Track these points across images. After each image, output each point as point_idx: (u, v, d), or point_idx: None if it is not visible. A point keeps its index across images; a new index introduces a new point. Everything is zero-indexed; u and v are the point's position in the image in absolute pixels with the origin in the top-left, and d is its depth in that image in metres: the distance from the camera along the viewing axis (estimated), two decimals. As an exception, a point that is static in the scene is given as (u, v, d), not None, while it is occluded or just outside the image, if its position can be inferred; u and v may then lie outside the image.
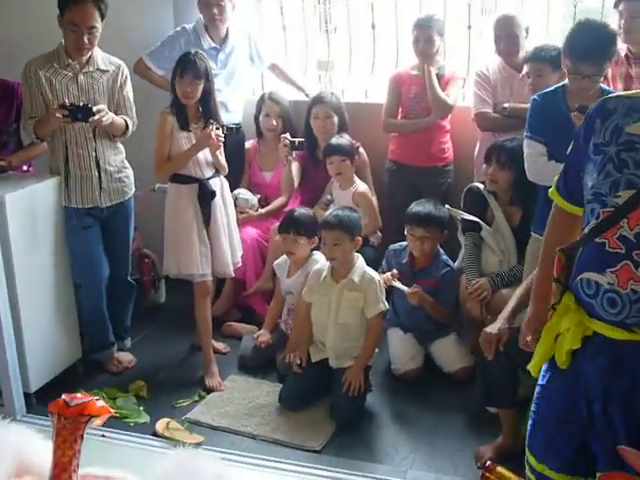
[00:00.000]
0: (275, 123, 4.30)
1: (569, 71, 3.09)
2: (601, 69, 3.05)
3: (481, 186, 3.70)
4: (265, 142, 4.42)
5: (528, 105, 3.52)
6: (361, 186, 4.05)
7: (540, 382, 2.02)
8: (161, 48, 4.19)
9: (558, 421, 1.94)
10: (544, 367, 2.01)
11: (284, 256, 3.85)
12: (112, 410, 1.84)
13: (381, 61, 4.58)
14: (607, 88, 3.18)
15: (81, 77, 3.47)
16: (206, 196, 3.57)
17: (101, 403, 1.80)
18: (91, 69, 3.50)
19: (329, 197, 4.12)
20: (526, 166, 3.29)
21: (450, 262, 3.72)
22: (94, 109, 3.32)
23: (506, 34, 3.91)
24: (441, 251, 3.73)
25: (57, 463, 1.70)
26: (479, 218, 3.65)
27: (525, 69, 3.72)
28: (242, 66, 4.34)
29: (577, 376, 1.87)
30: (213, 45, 4.20)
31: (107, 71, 3.55)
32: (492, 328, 2.93)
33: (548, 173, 3.11)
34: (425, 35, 3.97)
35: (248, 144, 4.47)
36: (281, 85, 4.58)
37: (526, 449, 2.06)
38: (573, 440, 1.92)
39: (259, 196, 4.37)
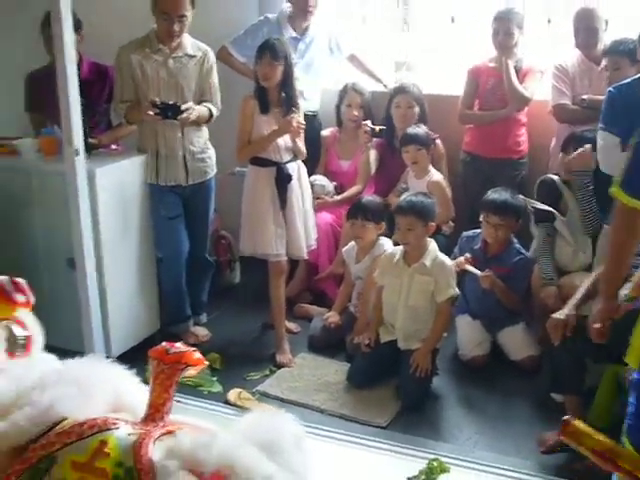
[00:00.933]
0: (356, 113, 4.40)
1: None
2: None
3: (555, 177, 3.72)
4: (345, 131, 4.52)
5: (601, 97, 3.58)
6: (436, 175, 4.11)
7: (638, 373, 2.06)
8: (244, 36, 4.34)
9: None
10: None
11: (352, 242, 3.97)
12: (206, 362, 1.98)
13: (459, 54, 4.62)
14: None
15: (170, 62, 3.64)
16: (283, 179, 3.70)
17: (198, 355, 1.95)
18: (180, 54, 3.67)
19: (404, 186, 4.19)
20: (599, 157, 3.32)
21: (523, 250, 3.75)
22: (182, 107, 3.49)
23: (585, 27, 3.93)
24: (514, 240, 3.77)
25: (152, 404, 1.84)
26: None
27: (603, 62, 3.72)
28: (321, 56, 4.46)
29: None
30: (294, 35, 4.32)
31: (195, 56, 3.71)
32: (560, 314, 2.98)
33: (621, 165, 3.16)
34: (504, 28, 4.01)
35: (326, 132, 4.58)
36: (359, 76, 4.67)
37: (624, 439, 2.09)
38: None
39: (335, 183, 4.48)
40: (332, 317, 3.93)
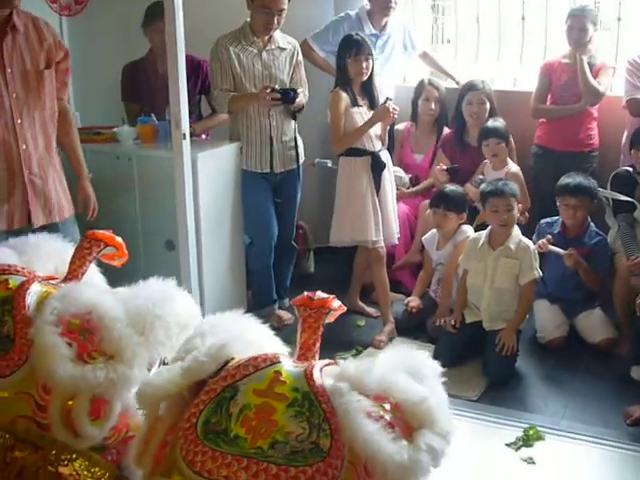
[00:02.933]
0: (434, 107, 4.57)
1: None
2: None
3: (629, 169, 3.86)
4: (419, 125, 4.69)
5: None
6: (514, 167, 4.26)
7: None
8: (325, 31, 4.53)
9: None
10: None
11: (433, 230, 4.12)
12: (344, 308, 2.16)
13: (529, 51, 4.77)
14: None
15: (264, 54, 3.84)
16: (378, 167, 3.88)
17: (337, 302, 2.12)
18: (273, 47, 3.87)
19: (481, 177, 4.34)
20: None
21: (601, 232, 3.91)
22: (298, 91, 3.70)
23: None
24: (591, 222, 3.92)
25: (304, 344, 2.01)
26: (628, 201, 3.82)
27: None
28: (396, 53, 4.65)
29: None
30: (374, 32, 4.50)
31: (285, 49, 3.91)
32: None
33: None
34: (579, 24, 4.17)
35: (401, 126, 4.74)
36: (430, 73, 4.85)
37: None
38: None
39: (410, 175, 4.65)
40: (413, 301, 4.08)
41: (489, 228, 3.71)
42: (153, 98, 4.06)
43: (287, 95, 3.67)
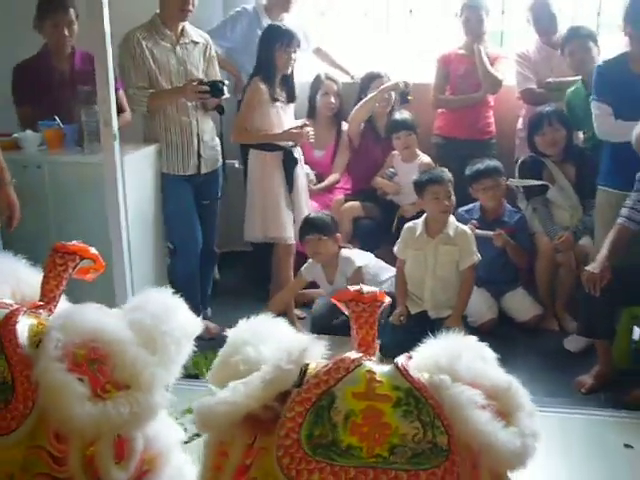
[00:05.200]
0: (333, 101, 4.51)
1: (632, 36, 3.48)
2: None
3: (533, 155, 4.04)
4: (319, 121, 4.62)
5: (570, 79, 4.00)
6: (425, 158, 4.33)
7: None
8: (222, 27, 4.35)
9: None
10: None
11: (310, 262, 3.94)
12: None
13: (418, 44, 4.87)
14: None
15: (178, 49, 3.61)
16: (290, 163, 3.78)
17: (385, 295, 2.03)
18: (186, 41, 3.65)
19: (392, 170, 4.36)
20: (595, 125, 3.65)
21: (518, 210, 4.05)
22: (226, 82, 3.52)
23: (546, 14, 4.28)
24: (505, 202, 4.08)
25: (362, 341, 1.88)
26: (537, 184, 4.01)
27: (567, 47, 4.07)
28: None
29: None
30: (272, 26, 4.38)
31: (198, 43, 3.71)
32: (593, 268, 3.25)
33: (617, 131, 3.53)
34: (476, 15, 4.31)
35: (299, 122, 4.65)
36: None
37: None
38: None
39: (315, 172, 4.57)
40: None
41: (424, 216, 3.72)
42: (52, 98, 3.67)
43: (216, 88, 3.46)
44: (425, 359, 1.80)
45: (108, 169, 3.12)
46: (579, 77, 4.06)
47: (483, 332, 3.88)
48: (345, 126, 4.56)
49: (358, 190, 4.50)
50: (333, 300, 2.06)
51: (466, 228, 3.69)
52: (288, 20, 4.46)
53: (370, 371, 1.71)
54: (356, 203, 4.32)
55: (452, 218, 3.69)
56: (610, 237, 3.40)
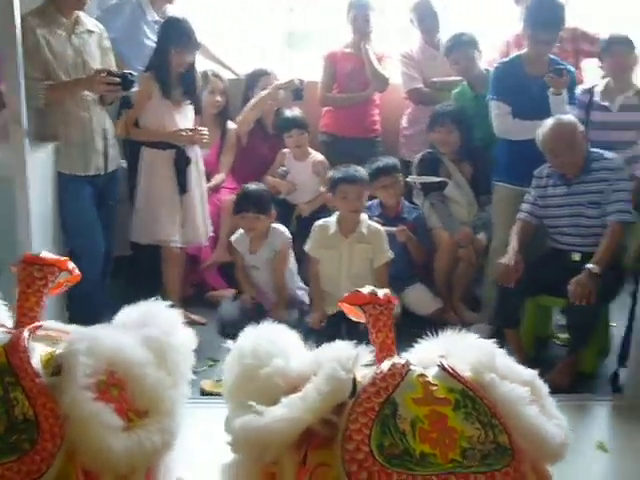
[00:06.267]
0: (219, 99, 4.35)
1: (530, 39, 3.68)
2: (557, 36, 3.69)
3: (431, 151, 4.15)
4: (204, 119, 4.43)
5: (454, 79, 4.16)
6: (318, 156, 4.29)
7: None
8: (104, 16, 4.03)
9: None
10: None
11: (240, 231, 3.92)
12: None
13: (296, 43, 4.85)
14: (554, 57, 3.81)
15: (74, 38, 3.33)
16: (182, 162, 3.66)
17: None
18: (81, 29, 3.38)
19: (284, 168, 4.29)
20: (495, 124, 3.82)
21: (416, 207, 4.12)
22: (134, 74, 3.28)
23: (429, 14, 4.39)
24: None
25: (382, 345, 1.84)
26: (435, 180, 4.12)
27: (451, 56, 4.17)
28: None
29: None
30: (156, 18, 4.15)
31: (94, 32, 3.45)
32: (508, 260, 3.41)
33: (515, 129, 3.73)
34: (363, 14, 4.33)
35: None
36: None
37: None
38: None
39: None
40: (246, 298, 3.88)
41: (337, 215, 3.70)
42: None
43: (126, 79, 3.22)
44: (452, 357, 1.77)
45: (18, 169, 2.80)
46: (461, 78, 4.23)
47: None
48: (231, 124, 4.42)
49: (248, 189, 4.38)
50: (342, 306, 2.00)
51: (379, 226, 3.71)
52: (172, 11, 4.27)
53: (422, 375, 1.66)
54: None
55: (364, 216, 3.70)
56: (515, 231, 3.57)
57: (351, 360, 1.65)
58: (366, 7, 4.34)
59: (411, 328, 3.69)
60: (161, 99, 3.55)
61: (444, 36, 4.38)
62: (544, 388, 1.84)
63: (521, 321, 3.55)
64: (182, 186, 3.66)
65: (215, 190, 4.37)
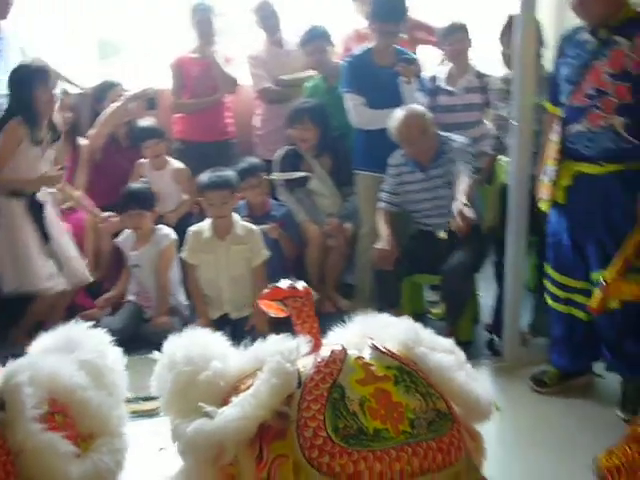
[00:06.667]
0: (69, 115, 4.17)
1: (377, 31, 3.85)
2: (401, 27, 3.88)
3: (292, 147, 4.22)
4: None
5: (303, 74, 4.30)
6: (177, 163, 4.25)
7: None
8: None
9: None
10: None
11: (126, 232, 3.92)
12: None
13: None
14: (400, 48, 4.00)
15: None
16: (36, 210, 3.57)
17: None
18: None
19: (143, 179, 4.21)
20: (351, 116, 3.96)
21: (282, 203, 4.17)
22: None
23: (270, 14, 4.47)
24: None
25: (311, 334, 1.90)
26: (296, 175, 4.20)
27: (305, 48, 4.28)
28: (15, 58, 4.14)
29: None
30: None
31: None
32: (383, 245, 3.56)
33: (370, 119, 3.89)
34: (205, 18, 4.34)
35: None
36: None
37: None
38: None
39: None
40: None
41: (211, 220, 3.69)
42: None
43: None
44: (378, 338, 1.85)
45: None
46: (312, 72, 4.34)
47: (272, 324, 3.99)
48: (82, 140, 4.28)
49: (108, 205, 4.24)
50: (261, 303, 2.03)
51: (253, 226, 3.74)
52: (4, 26, 4.07)
53: (359, 357, 1.73)
54: (115, 218, 4.09)
55: (237, 217, 3.72)
56: (380, 219, 3.74)
57: (294, 352, 1.69)
58: (208, 11, 4.35)
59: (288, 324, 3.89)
60: (31, 146, 3.46)
61: (287, 34, 4.50)
62: (462, 354, 1.96)
63: (400, 301, 3.72)
64: (44, 234, 3.55)
65: (73, 210, 4.23)
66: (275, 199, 4.25)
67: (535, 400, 3.04)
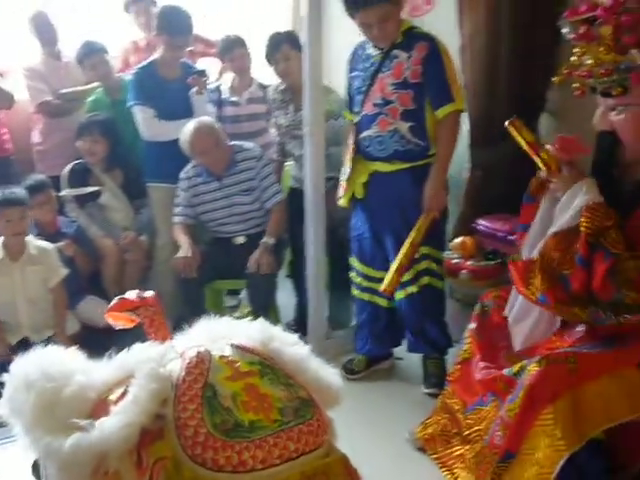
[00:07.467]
0: None
1: (166, 44, 3.89)
2: (188, 40, 3.96)
3: (81, 162, 4.12)
4: None
5: (83, 88, 4.28)
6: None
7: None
8: None
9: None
10: None
11: None
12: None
13: None
14: (185, 60, 4.07)
15: None
16: None
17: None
18: None
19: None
20: (141, 128, 3.96)
21: (72, 220, 4.06)
22: None
23: (45, 26, 4.31)
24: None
25: (166, 339, 1.96)
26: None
27: (86, 62, 4.20)
28: None
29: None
30: None
31: None
32: (185, 253, 3.66)
33: (161, 131, 3.94)
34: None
35: None
36: None
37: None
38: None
39: None
40: None
41: (2, 240, 3.49)
42: None
43: None
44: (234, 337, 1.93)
45: None
46: (93, 85, 4.27)
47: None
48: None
49: None
50: (110, 315, 2.03)
51: (48, 244, 3.60)
52: None
53: (222, 356, 1.80)
54: None
55: (31, 237, 3.56)
56: (178, 232, 3.81)
57: (163, 356, 1.72)
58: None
59: (97, 341, 3.80)
60: None
61: (64, 47, 4.38)
62: (307, 347, 2.09)
63: (204, 307, 3.79)
64: None
65: None
66: (64, 215, 4.12)
67: (348, 387, 3.26)
